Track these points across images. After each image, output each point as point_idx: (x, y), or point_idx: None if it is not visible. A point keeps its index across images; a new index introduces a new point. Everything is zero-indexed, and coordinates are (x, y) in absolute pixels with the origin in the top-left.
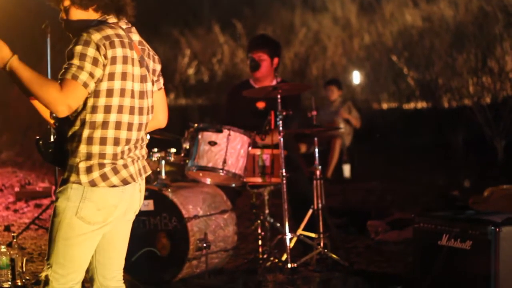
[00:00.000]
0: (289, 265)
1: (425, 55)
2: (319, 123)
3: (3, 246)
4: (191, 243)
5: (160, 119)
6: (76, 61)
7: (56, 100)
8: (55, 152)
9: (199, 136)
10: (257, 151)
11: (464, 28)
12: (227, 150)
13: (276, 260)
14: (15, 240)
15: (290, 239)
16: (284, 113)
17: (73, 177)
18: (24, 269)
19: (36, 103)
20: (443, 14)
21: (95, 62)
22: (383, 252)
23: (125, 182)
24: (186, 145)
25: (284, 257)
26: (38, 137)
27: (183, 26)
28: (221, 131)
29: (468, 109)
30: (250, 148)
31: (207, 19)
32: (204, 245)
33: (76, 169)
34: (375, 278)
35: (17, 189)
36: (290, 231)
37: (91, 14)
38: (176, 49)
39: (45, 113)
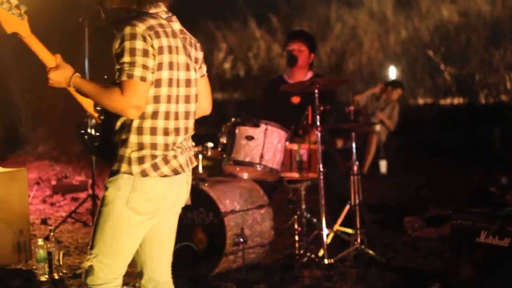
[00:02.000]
0: (326, 261)
1: (461, 51)
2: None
3: (40, 240)
4: (228, 238)
5: (204, 106)
6: (126, 59)
7: (121, 105)
8: (101, 145)
9: (236, 131)
10: (294, 146)
11: (501, 24)
12: (264, 144)
13: (313, 256)
14: (52, 233)
15: (327, 235)
16: (321, 108)
17: (124, 167)
18: (61, 263)
19: (79, 97)
20: (480, 9)
21: (145, 53)
22: (420, 249)
23: (175, 172)
24: (223, 140)
25: (321, 252)
26: (82, 131)
27: (219, 20)
28: (258, 126)
29: (505, 105)
30: (287, 143)
31: (243, 13)
32: (241, 240)
33: (127, 159)
34: (412, 274)
35: (53, 182)
36: (327, 227)
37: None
38: (212, 43)
39: (89, 107)
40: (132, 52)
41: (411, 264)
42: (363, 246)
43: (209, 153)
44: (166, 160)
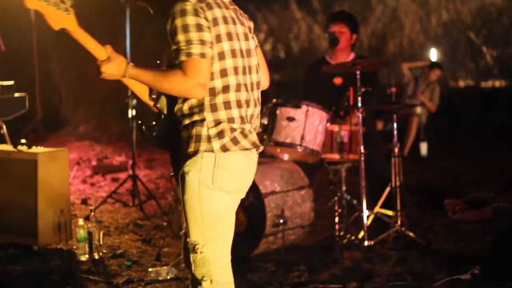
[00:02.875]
0: (365, 243)
1: (504, 33)
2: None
3: (80, 219)
4: (268, 219)
5: (263, 80)
6: (181, 37)
7: (186, 86)
8: (160, 134)
9: (277, 112)
10: (335, 127)
11: None
12: (305, 126)
13: (353, 238)
14: (92, 213)
15: (367, 217)
16: (363, 90)
17: (203, 146)
18: (101, 243)
19: (132, 86)
20: None
21: (199, 28)
22: (461, 231)
23: (255, 145)
24: (264, 121)
25: (361, 234)
26: (140, 121)
27: (259, 2)
28: (299, 107)
29: None
30: (328, 124)
31: None
32: (281, 221)
33: (206, 137)
34: (453, 257)
35: (94, 163)
36: (367, 209)
37: None
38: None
39: (143, 95)
40: (185, 28)
41: (451, 247)
42: (403, 228)
43: (258, 126)
44: (244, 134)
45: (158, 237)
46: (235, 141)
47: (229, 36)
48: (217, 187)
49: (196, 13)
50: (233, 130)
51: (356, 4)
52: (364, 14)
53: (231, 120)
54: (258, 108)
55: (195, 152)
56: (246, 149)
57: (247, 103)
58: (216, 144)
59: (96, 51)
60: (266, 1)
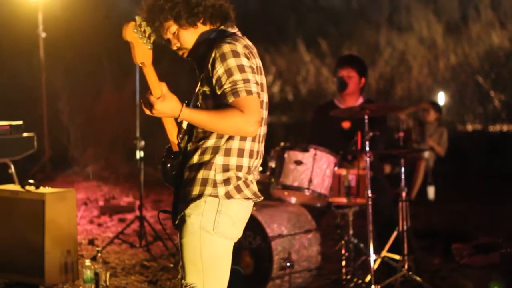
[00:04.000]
0: (372, 287)
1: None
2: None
3: (87, 260)
4: (275, 262)
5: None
6: (237, 76)
7: (245, 124)
8: (179, 174)
9: (285, 155)
10: (343, 171)
11: None
12: (313, 169)
13: (360, 281)
14: (99, 254)
15: (374, 261)
16: (371, 134)
17: (208, 190)
18: (107, 283)
19: (167, 124)
20: None
21: (253, 70)
22: (468, 276)
23: (256, 195)
24: (272, 164)
25: (368, 278)
26: (164, 159)
27: (268, 43)
28: (307, 151)
29: None
30: (336, 168)
31: (292, 37)
32: (288, 264)
33: (212, 182)
34: None
35: (101, 203)
36: (374, 253)
37: (201, 30)
38: None
39: (172, 134)
40: (241, 68)
41: None
42: (410, 273)
43: (258, 177)
44: (246, 184)
45: (164, 279)
46: (238, 189)
47: (262, 87)
48: (218, 233)
49: (247, 57)
50: (238, 178)
51: (365, 46)
52: (372, 57)
53: (239, 168)
54: (261, 161)
55: (199, 196)
56: (248, 198)
57: (257, 154)
58: (221, 190)
59: (155, 88)
60: (275, 43)
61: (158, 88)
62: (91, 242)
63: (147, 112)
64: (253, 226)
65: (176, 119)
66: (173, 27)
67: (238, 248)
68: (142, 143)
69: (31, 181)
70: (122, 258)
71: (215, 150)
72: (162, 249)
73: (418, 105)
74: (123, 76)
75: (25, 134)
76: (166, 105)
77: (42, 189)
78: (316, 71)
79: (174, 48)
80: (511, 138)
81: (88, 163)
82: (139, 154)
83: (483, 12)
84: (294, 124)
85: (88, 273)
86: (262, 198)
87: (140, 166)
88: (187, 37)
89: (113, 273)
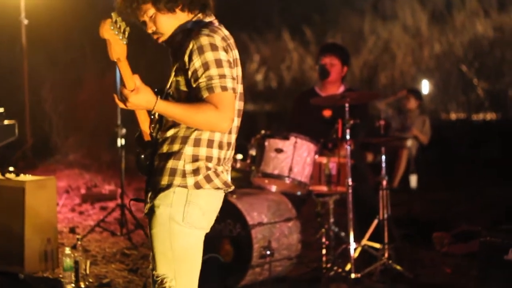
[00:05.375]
0: (352, 275)
1: (495, 66)
2: (389, 132)
3: (67, 248)
4: (255, 250)
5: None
6: (214, 71)
7: (218, 121)
8: (151, 163)
9: (266, 143)
10: (324, 160)
11: None
12: (293, 157)
13: (340, 270)
14: (79, 242)
15: (355, 249)
16: (351, 122)
17: (177, 180)
18: (87, 272)
19: (139, 115)
20: None
21: (230, 64)
22: (448, 265)
23: (226, 185)
24: (253, 152)
25: (348, 267)
26: (138, 150)
27: (253, 31)
28: (287, 139)
29: None
30: (316, 156)
31: (277, 25)
32: (268, 252)
33: (181, 172)
34: None
35: (83, 191)
36: (354, 241)
37: (179, 16)
38: (244, 54)
39: (144, 124)
40: (219, 63)
41: (439, 280)
42: (390, 261)
43: (238, 165)
44: (216, 173)
45: (145, 267)
46: (208, 179)
47: (238, 79)
48: (187, 223)
49: (225, 50)
50: (208, 168)
51: (349, 35)
52: (356, 45)
53: (209, 159)
54: (233, 152)
55: (168, 186)
56: (218, 188)
57: (228, 145)
58: (190, 180)
59: (129, 81)
60: (259, 31)
61: (132, 81)
62: (72, 230)
63: (121, 105)
64: (233, 214)
65: (149, 111)
66: (151, 11)
67: (218, 236)
68: (124, 130)
69: (11, 168)
70: (103, 246)
71: (184, 140)
72: (143, 237)
73: (397, 94)
74: (106, 64)
75: (6, 122)
76: (140, 97)
77: (22, 177)
78: (300, 59)
79: (149, 31)
80: (494, 127)
81: (70, 151)
82: (121, 141)
83: (467, 1)
84: (277, 113)
85: (68, 261)
86: (233, 187)
87: (121, 154)
88: (163, 22)
89: (94, 261)
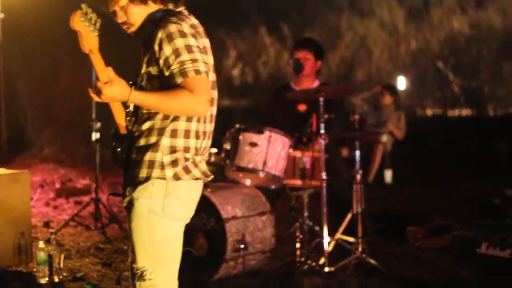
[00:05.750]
0: (326, 269)
1: (471, 63)
2: (364, 127)
3: (41, 242)
4: (229, 244)
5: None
6: (185, 56)
7: (194, 105)
8: (128, 157)
9: (240, 137)
10: (298, 154)
11: None
12: (267, 151)
13: (314, 264)
14: (53, 236)
15: (329, 243)
16: (326, 116)
17: (156, 173)
18: (61, 266)
19: (114, 108)
20: (491, 22)
21: (200, 50)
22: (422, 259)
23: (205, 175)
24: (227, 146)
25: (322, 260)
26: (114, 143)
27: (229, 27)
28: (262, 133)
29: None
30: (291, 150)
31: (254, 21)
32: (242, 246)
33: (159, 164)
34: (413, 284)
35: (57, 185)
36: (328, 235)
37: (151, 8)
38: (221, 50)
39: (119, 117)
40: (189, 48)
41: (412, 274)
42: (364, 255)
43: (212, 159)
44: (195, 164)
45: (119, 261)
46: (187, 170)
47: (210, 67)
48: (167, 215)
49: (194, 36)
50: (186, 159)
51: (326, 30)
52: (333, 41)
53: (186, 149)
54: (210, 141)
55: (147, 178)
56: (197, 178)
57: (204, 134)
58: (169, 172)
59: (102, 73)
60: (236, 26)
61: (105, 73)
62: (47, 224)
63: (96, 98)
64: (207, 208)
65: (124, 103)
66: (123, 1)
67: (192, 230)
68: (98, 124)
69: None
70: (77, 240)
71: (161, 131)
72: (118, 231)
73: (372, 89)
74: (81, 59)
75: None
76: (114, 89)
77: None
78: (276, 55)
79: (119, 21)
80: (469, 123)
81: (45, 145)
82: (95, 135)
83: None
84: (253, 108)
85: (42, 255)
86: (212, 177)
87: (96, 148)
88: (135, 13)
89: (68, 255)
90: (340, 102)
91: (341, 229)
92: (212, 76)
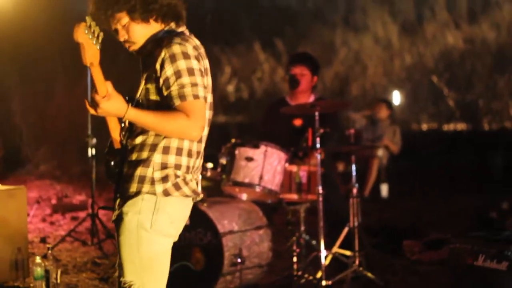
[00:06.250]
0: (323, 283)
1: (466, 77)
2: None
3: (38, 257)
4: (226, 258)
5: None
6: (186, 79)
7: (189, 129)
8: (120, 171)
9: (236, 152)
10: (294, 168)
11: (506, 50)
12: (263, 166)
13: (311, 277)
14: (50, 251)
15: (325, 257)
16: (321, 131)
17: (146, 188)
18: (58, 281)
19: (110, 122)
20: (485, 36)
21: (201, 73)
22: (419, 272)
23: (195, 193)
24: (223, 160)
25: (319, 274)
26: (108, 157)
27: (224, 44)
28: (258, 147)
29: (508, 131)
30: (287, 165)
31: (248, 37)
32: (239, 260)
33: (149, 179)
34: None
35: (54, 201)
36: (325, 249)
37: (152, 26)
38: (216, 66)
39: (115, 132)
40: (191, 71)
41: (409, 287)
42: (361, 269)
43: (209, 174)
44: (185, 181)
45: (116, 276)
46: (177, 187)
47: (209, 88)
48: (155, 230)
49: (197, 59)
50: (176, 176)
51: (320, 46)
52: (327, 56)
53: (178, 166)
54: (202, 161)
55: (137, 193)
56: (186, 195)
57: (197, 154)
58: (159, 187)
59: (101, 86)
60: (231, 43)
61: (104, 87)
62: (43, 240)
63: (92, 111)
64: (204, 222)
65: (120, 118)
66: (125, 19)
67: (189, 245)
68: (94, 140)
69: None
70: (74, 255)
71: (153, 147)
72: (114, 246)
73: (373, 108)
74: (76, 75)
75: None
76: (111, 104)
77: None
78: (271, 71)
79: (121, 39)
80: (464, 137)
81: (41, 162)
82: (91, 152)
83: (438, 12)
84: (249, 124)
85: (39, 270)
86: (202, 196)
87: (92, 164)
88: (136, 31)
89: (65, 271)
90: (335, 116)
91: (338, 242)
92: (210, 98)
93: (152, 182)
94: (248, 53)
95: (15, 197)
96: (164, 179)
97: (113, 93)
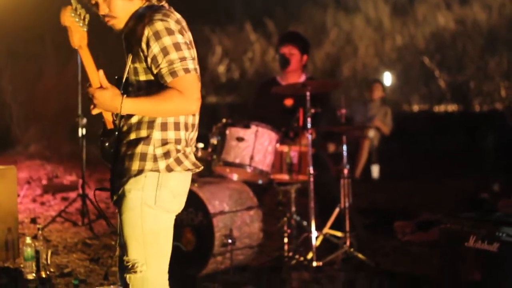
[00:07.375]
0: (314, 264)
1: (457, 58)
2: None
3: (28, 238)
4: (216, 238)
5: None
6: (174, 55)
7: (186, 105)
8: (116, 151)
9: (227, 132)
10: (285, 148)
11: (497, 32)
12: (254, 146)
13: (302, 258)
14: (40, 232)
15: (316, 238)
16: (312, 111)
17: (148, 165)
18: (49, 261)
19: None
20: (476, 18)
21: (187, 46)
22: (410, 253)
23: (196, 165)
24: (214, 141)
25: (310, 255)
26: (102, 138)
27: (215, 24)
28: (249, 127)
29: (499, 113)
30: (277, 145)
31: (239, 17)
32: (229, 241)
33: (152, 157)
34: (401, 279)
35: (44, 182)
36: (316, 229)
37: (134, 3)
38: (207, 46)
39: (107, 113)
40: (177, 46)
41: (400, 268)
42: (352, 250)
43: (199, 154)
44: (185, 155)
45: (106, 256)
46: (178, 161)
47: (196, 60)
48: (159, 206)
49: (180, 32)
50: (177, 151)
51: (311, 27)
52: (318, 37)
53: (177, 141)
54: (197, 133)
55: (140, 171)
56: (188, 169)
57: (193, 127)
58: (162, 164)
59: (92, 75)
60: (221, 23)
61: (96, 77)
62: (34, 220)
63: (95, 111)
64: (195, 202)
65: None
66: None
67: (180, 225)
68: (84, 120)
69: None
70: (64, 236)
71: (151, 125)
72: (105, 227)
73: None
74: (67, 55)
75: None
76: (106, 97)
77: None
78: (262, 51)
79: (101, 13)
80: (455, 118)
81: (31, 142)
82: (81, 132)
83: None
84: (240, 104)
85: (29, 251)
86: (202, 167)
87: (82, 144)
88: (118, 6)
89: (55, 251)
90: (326, 97)
91: (329, 223)
92: (198, 70)
93: (155, 159)
94: (239, 34)
95: (5, 177)
96: (166, 154)
97: (107, 85)
